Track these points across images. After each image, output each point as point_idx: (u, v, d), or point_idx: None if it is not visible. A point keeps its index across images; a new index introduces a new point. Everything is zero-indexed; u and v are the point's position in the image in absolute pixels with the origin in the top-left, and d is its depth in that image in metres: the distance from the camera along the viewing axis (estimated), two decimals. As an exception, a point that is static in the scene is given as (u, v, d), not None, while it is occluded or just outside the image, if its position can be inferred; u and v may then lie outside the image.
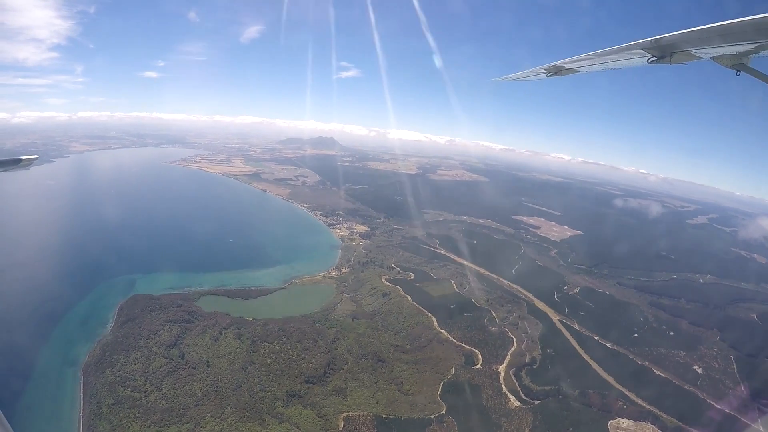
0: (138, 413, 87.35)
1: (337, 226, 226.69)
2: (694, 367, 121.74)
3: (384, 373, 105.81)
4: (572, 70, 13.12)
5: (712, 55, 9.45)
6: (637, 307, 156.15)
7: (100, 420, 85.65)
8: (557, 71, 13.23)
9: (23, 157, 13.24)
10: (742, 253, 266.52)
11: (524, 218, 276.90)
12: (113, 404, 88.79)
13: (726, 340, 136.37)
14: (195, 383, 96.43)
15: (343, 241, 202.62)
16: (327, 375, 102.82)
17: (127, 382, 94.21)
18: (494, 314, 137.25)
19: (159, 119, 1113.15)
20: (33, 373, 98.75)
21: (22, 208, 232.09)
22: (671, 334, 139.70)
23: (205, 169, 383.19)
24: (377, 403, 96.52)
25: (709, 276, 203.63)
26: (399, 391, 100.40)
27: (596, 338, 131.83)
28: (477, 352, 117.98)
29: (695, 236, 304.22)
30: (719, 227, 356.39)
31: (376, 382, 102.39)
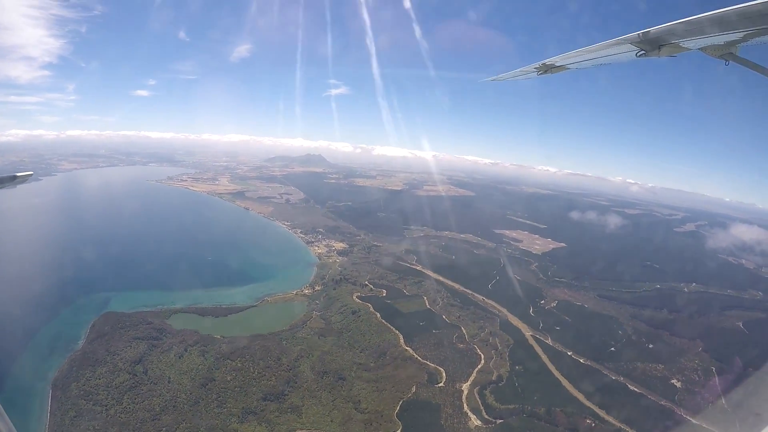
0: (97, 426, 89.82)
1: (316, 243, 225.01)
2: (672, 381, 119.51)
3: (343, 391, 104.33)
4: (562, 68, 13.20)
5: (700, 46, 9.60)
6: (616, 320, 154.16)
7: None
8: (547, 69, 13.31)
9: (18, 174, 13.20)
10: (730, 259, 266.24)
11: (507, 232, 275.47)
12: (75, 417, 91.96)
13: (709, 350, 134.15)
14: (154, 398, 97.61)
15: (320, 258, 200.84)
16: (285, 393, 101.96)
17: (90, 396, 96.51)
18: (464, 331, 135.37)
19: (147, 138, 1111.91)
20: (5, 386, 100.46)
21: (5, 225, 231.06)
22: (650, 346, 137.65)
23: (191, 188, 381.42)
24: (332, 421, 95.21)
25: (694, 284, 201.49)
26: (356, 409, 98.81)
27: (569, 353, 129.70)
28: (441, 369, 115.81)
29: (682, 244, 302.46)
30: (707, 234, 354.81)
31: (333, 400, 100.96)
